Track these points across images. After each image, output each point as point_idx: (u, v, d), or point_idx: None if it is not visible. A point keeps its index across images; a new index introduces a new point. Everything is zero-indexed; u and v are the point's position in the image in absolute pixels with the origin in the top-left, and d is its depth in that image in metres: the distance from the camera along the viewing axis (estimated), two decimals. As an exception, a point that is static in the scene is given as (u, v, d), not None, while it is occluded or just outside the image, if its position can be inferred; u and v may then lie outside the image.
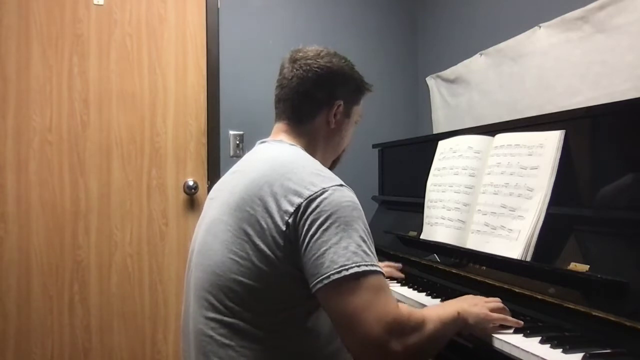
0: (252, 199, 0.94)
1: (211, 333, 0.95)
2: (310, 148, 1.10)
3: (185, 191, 2.34)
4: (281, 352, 0.93)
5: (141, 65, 2.31)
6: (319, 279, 0.86)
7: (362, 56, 2.64)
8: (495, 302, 1.07)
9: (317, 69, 1.09)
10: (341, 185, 0.94)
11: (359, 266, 0.85)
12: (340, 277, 0.84)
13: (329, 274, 0.84)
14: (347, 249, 0.86)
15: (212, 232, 1.00)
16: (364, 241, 0.89)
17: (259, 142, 1.14)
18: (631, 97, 1.35)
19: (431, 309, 1.01)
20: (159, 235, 2.32)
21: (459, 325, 0.98)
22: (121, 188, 2.28)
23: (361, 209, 0.94)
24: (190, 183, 2.33)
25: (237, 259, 0.93)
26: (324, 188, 0.91)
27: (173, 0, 2.34)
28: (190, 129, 2.37)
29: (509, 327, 1.03)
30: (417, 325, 0.87)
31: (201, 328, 0.97)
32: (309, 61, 1.09)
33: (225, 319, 0.94)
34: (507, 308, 1.07)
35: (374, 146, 2.30)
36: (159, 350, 2.32)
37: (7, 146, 2.15)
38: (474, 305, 1.03)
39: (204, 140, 2.39)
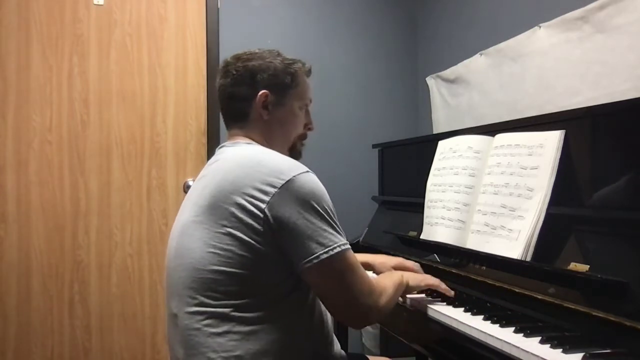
0: (225, 194, 0.98)
1: (197, 325, 0.97)
2: (265, 143, 1.13)
3: (185, 191, 2.34)
4: (268, 333, 0.97)
5: (141, 65, 2.31)
6: (307, 259, 0.95)
7: (362, 56, 2.66)
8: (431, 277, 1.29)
9: (234, 72, 1.13)
10: (307, 171, 1.00)
11: (339, 246, 0.97)
12: (329, 257, 0.96)
13: (318, 254, 0.95)
14: (327, 230, 0.97)
15: (186, 233, 1.04)
16: (335, 223, 1.01)
17: (218, 147, 1.17)
18: (631, 97, 1.35)
19: (381, 276, 1.18)
20: (159, 235, 2.32)
21: (403, 287, 1.16)
22: (121, 188, 2.28)
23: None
24: (190, 183, 2.33)
25: (216, 251, 0.97)
26: (294, 176, 0.97)
27: (173, 0, 2.34)
28: (190, 129, 2.37)
29: (509, 326, 1.03)
30: (384, 289, 1.06)
31: (187, 323, 0.99)
32: (229, 67, 1.14)
33: (210, 309, 0.97)
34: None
35: (374, 146, 2.30)
36: (159, 350, 2.32)
37: (7, 146, 2.15)
38: (413, 272, 1.28)
39: (204, 140, 2.39)
